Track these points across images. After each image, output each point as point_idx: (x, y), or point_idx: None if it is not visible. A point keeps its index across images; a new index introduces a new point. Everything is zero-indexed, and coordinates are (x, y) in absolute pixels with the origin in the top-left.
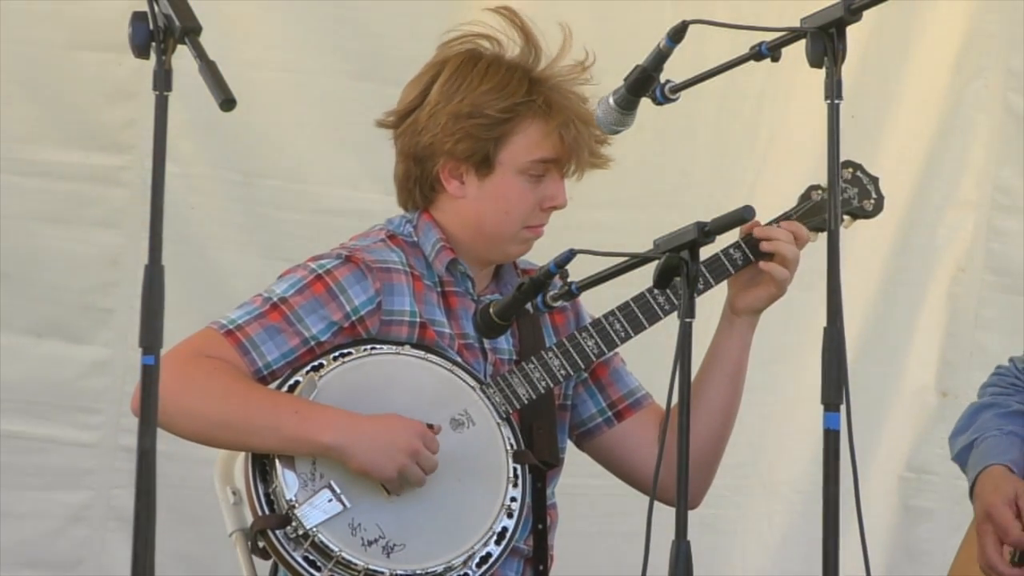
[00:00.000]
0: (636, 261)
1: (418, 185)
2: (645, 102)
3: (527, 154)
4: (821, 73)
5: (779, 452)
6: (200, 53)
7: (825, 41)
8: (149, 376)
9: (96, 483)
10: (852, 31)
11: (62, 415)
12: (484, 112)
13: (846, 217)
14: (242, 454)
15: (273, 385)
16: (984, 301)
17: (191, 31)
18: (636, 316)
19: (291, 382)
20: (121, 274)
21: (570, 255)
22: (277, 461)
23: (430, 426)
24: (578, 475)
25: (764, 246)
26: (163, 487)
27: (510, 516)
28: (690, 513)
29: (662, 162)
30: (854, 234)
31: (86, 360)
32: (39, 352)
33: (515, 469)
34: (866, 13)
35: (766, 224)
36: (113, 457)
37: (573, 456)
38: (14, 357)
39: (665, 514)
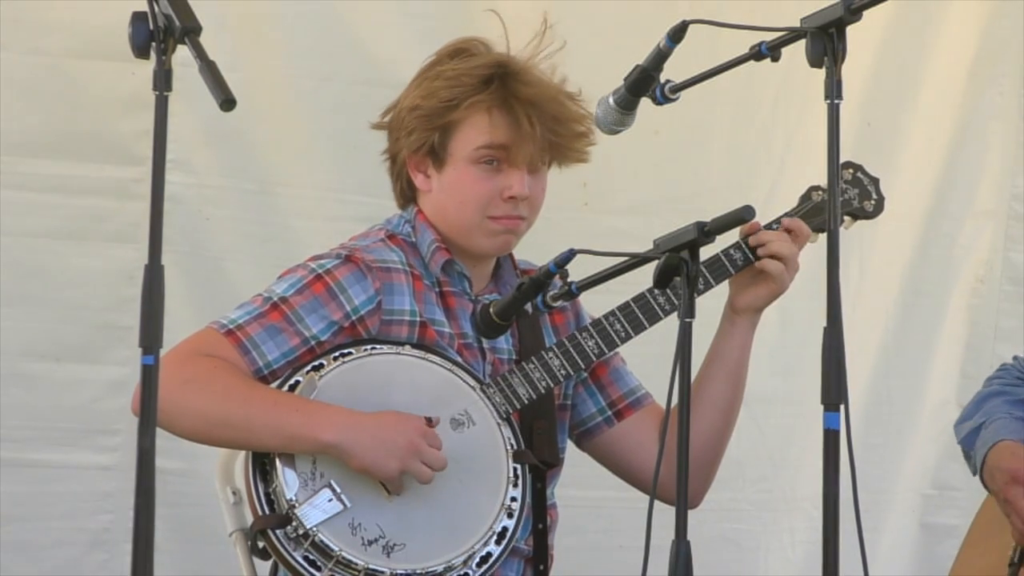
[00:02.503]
0: (636, 261)
1: (398, 183)
2: (653, 107)
3: (473, 141)
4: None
5: (800, 466)
6: (200, 53)
7: (825, 41)
8: (149, 376)
9: (116, 506)
10: (866, 38)
11: (81, 439)
12: (428, 102)
13: (847, 218)
14: (242, 454)
15: (274, 385)
16: (1003, 312)
17: (191, 31)
18: (636, 316)
19: (291, 382)
20: (138, 289)
21: (570, 255)
22: (277, 460)
23: (428, 419)
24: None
25: (760, 251)
26: (179, 505)
27: (510, 516)
28: (712, 528)
29: (679, 168)
30: (873, 245)
31: (103, 381)
32: (57, 377)
33: (515, 469)
34: (879, 20)
35: (765, 225)
36: (132, 478)
37: (593, 468)
38: (32, 383)
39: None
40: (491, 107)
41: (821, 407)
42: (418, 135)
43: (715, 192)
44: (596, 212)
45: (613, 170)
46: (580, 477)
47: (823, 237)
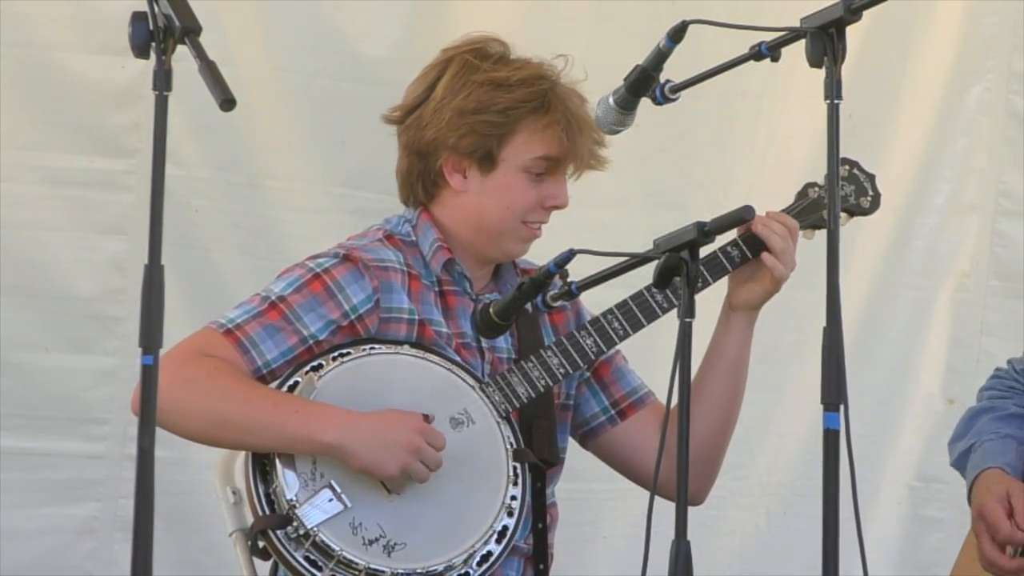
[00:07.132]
0: (636, 261)
1: (420, 180)
2: (645, 102)
3: (529, 151)
4: (820, 73)
5: (777, 453)
6: (200, 53)
7: (825, 41)
8: (148, 376)
9: (104, 494)
10: (851, 30)
11: (70, 428)
12: (489, 108)
13: (843, 214)
14: (242, 454)
15: (273, 385)
16: (990, 307)
17: (191, 31)
18: (634, 314)
19: (290, 382)
20: (128, 280)
21: (570, 255)
22: (277, 461)
23: (425, 416)
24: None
25: (756, 228)
26: (169, 494)
27: (510, 515)
28: (689, 513)
29: (661, 162)
30: (855, 237)
31: (93, 370)
32: (46, 366)
33: (515, 468)
34: (865, 13)
35: None
36: (120, 467)
37: (577, 461)
38: (21, 372)
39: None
40: (544, 117)
41: (797, 392)
42: (474, 139)
43: (698, 186)
44: (579, 206)
45: None
46: (564, 470)
47: (821, 235)
